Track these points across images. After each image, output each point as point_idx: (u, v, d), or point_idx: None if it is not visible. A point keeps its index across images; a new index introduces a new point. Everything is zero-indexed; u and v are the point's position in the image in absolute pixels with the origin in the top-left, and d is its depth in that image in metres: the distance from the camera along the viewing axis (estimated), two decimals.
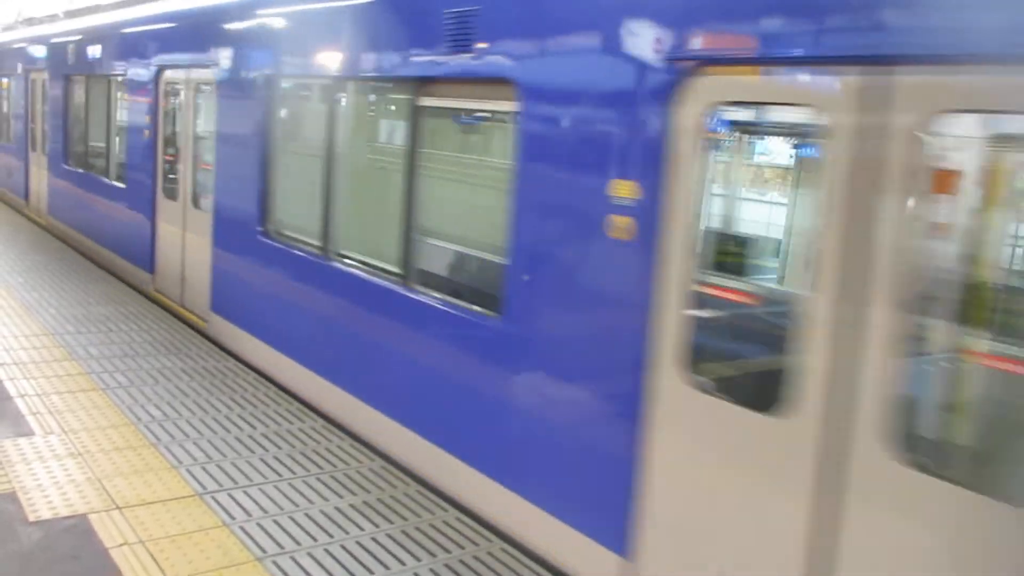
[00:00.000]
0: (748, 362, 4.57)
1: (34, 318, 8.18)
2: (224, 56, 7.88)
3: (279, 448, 5.59)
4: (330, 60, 6.35)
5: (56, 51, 13.39)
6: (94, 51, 11.74)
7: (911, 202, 3.03)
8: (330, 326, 6.34)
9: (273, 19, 7.20)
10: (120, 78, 10.80)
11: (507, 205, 4.64)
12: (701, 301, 4.09)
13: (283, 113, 7.23)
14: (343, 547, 4.40)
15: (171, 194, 9.27)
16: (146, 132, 9.70)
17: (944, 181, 3.66)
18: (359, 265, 6.16)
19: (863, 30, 3.13)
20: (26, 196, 15.36)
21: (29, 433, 5.48)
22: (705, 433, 3.68)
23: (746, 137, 7.18)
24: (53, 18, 15.15)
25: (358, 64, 6.02)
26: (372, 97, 6.83)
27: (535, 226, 4.50)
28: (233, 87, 7.75)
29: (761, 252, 6.98)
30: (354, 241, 6.44)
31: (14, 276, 9.90)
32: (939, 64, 2.94)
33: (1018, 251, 4.37)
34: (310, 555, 4.29)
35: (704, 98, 3.63)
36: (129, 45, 10.58)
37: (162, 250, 9.51)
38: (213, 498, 4.81)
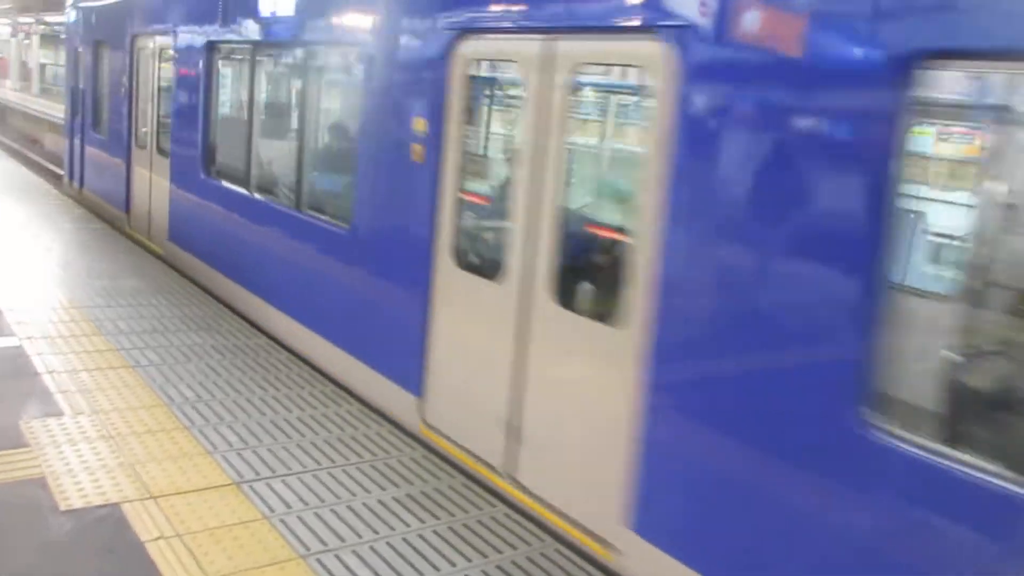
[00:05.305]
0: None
1: (61, 290, 7.97)
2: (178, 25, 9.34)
3: (316, 434, 5.36)
4: None
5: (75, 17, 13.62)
6: (95, 19, 12.50)
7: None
8: None
9: None
10: (106, 44, 12.06)
11: None
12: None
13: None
14: (389, 544, 4.16)
15: (142, 143, 10.71)
16: (122, 90, 11.17)
17: None
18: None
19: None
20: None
21: (58, 413, 5.27)
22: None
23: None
24: None
25: None
26: None
27: None
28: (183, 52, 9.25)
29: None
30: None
31: (40, 247, 9.71)
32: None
33: None
34: (355, 553, 4.05)
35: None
36: (110, 15, 11.90)
37: (135, 192, 10.96)
38: (251, 488, 4.58)
